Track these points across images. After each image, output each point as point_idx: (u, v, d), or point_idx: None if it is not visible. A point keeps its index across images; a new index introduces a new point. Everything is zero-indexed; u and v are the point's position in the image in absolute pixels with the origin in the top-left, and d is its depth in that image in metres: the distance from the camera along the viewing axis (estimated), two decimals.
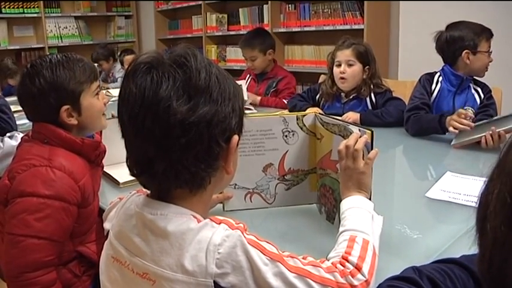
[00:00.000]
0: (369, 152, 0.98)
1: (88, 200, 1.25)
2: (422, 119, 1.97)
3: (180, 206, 0.74)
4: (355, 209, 0.91)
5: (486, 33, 1.97)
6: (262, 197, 1.27)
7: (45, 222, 1.12)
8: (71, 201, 1.17)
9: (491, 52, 1.98)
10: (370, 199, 0.98)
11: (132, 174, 0.76)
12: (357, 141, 0.98)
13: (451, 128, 1.83)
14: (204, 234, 0.70)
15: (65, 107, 1.23)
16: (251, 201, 1.27)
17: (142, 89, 0.68)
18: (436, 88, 2.09)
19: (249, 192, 1.27)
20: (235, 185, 1.25)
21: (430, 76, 2.12)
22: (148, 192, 0.78)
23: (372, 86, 2.28)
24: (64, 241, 1.21)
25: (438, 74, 2.11)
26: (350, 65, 2.24)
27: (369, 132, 0.99)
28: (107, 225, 0.96)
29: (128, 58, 4.50)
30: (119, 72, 4.65)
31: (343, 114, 2.21)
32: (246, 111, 0.79)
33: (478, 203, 0.48)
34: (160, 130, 0.67)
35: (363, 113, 2.22)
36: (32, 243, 1.11)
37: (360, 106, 2.30)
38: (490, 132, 1.66)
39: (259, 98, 2.85)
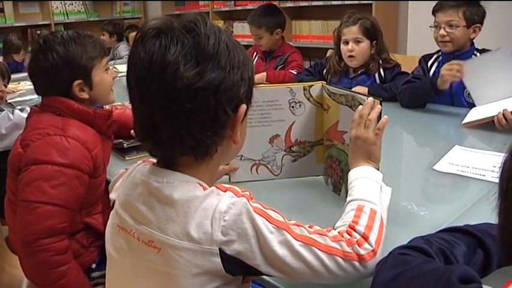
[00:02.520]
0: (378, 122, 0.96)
1: (98, 170, 1.27)
2: (413, 85, 1.98)
3: (186, 174, 0.74)
4: (363, 179, 0.90)
5: (437, 7, 1.97)
6: (268, 169, 1.27)
7: (60, 190, 1.14)
8: (84, 170, 1.20)
9: (437, 26, 1.95)
10: (378, 169, 0.95)
11: (137, 139, 0.75)
12: (370, 110, 0.96)
13: (443, 79, 1.81)
14: (210, 202, 0.70)
15: (78, 81, 1.26)
16: (257, 173, 1.27)
17: (151, 53, 0.68)
18: (432, 68, 2.07)
19: (255, 164, 1.26)
20: (242, 156, 1.25)
21: (428, 56, 2.12)
22: (155, 161, 0.78)
23: (380, 61, 2.24)
24: (76, 209, 1.22)
25: (437, 54, 2.08)
26: (358, 42, 2.20)
27: (377, 101, 0.98)
28: (112, 195, 0.94)
29: (133, 35, 4.40)
30: (124, 50, 4.58)
31: (352, 88, 2.16)
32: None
33: (501, 166, 0.48)
34: (166, 95, 0.67)
35: (371, 86, 2.19)
36: (47, 210, 1.13)
37: (368, 81, 2.27)
38: (502, 111, 1.60)
39: (264, 73, 2.78)
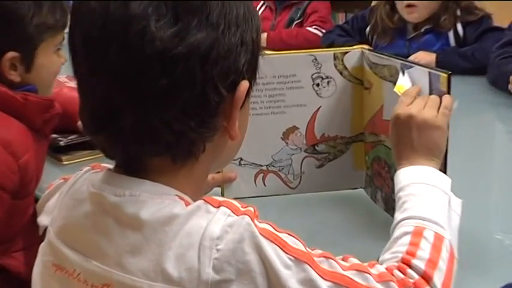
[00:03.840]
0: None
1: (28, 187, 1.27)
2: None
3: (160, 183, 0.74)
4: (421, 185, 0.90)
5: None
6: (281, 179, 1.27)
7: None
8: (4, 187, 1.19)
9: None
10: (445, 173, 0.97)
11: (86, 131, 0.76)
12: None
13: None
14: (196, 223, 0.69)
15: (12, 54, 1.25)
16: (264, 185, 1.27)
17: (106, 3, 0.68)
18: None
19: (262, 171, 1.26)
20: (241, 160, 1.24)
21: None
22: (111, 166, 0.78)
23: (458, 12, 2.24)
24: None
25: None
26: None
27: (444, 75, 0.98)
28: (43, 219, 0.94)
29: None
30: None
31: (410, 56, 2.16)
32: None
33: None
34: (130, 65, 0.68)
35: (442, 52, 2.19)
36: None
37: (437, 43, 2.27)
38: None
39: (264, 34, 2.76)
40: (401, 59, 1.10)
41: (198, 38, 0.68)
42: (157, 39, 0.66)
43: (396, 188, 0.94)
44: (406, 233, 0.84)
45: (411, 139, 0.97)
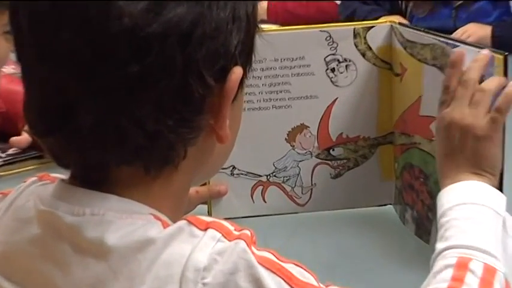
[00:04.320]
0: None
1: None
2: None
3: (129, 198, 0.73)
4: (467, 206, 0.92)
5: None
6: (286, 193, 1.27)
7: None
8: None
9: None
10: (501, 191, 0.97)
11: (34, 132, 0.74)
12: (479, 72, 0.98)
13: None
14: (177, 250, 0.69)
15: None
16: (264, 201, 1.27)
17: None
18: None
19: (261, 183, 1.26)
20: (233, 168, 1.25)
21: None
22: (64, 177, 0.77)
23: None
24: None
25: None
26: None
27: (499, 56, 0.98)
28: None
29: None
30: None
31: (456, 29, 2.23)
32: None
33: None
34: (90, 48, 0.66)
35: (500, 24, 2.25)
36: None
37: (493, 12, 2.34)
38: None
39: (264, 3, 2.80)
40: (444, 36, 1.11)
41: (178, 13, 0.67)
42: (125, 15, 0.66)
43: (438, 214, 0.96)
44: (447, 266, 0.86)
45: (456, 151, 1.00)
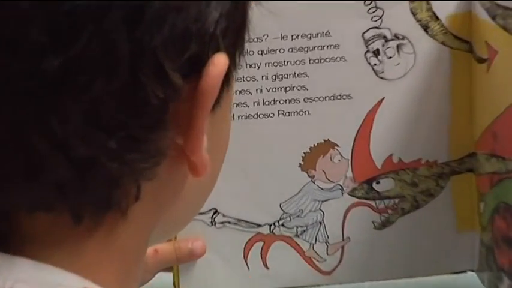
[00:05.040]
0: None
1: None
2: None
3: (49, 264, 0.58)
4: None
5: None
6: (300, 253, 1.04)
7: None
8: None
9: None
10: None
11: None
12: None
13: None
14: None
15: None
16: (266, 266, 1.03)
17: None
18: None
19: (260, 238, 1.04)
20: (215, 213, 1.01)
21: None
22: None
23: None
24: None
25: None
26: None
27: None
28: None
29: None
30: None
31: None
32: None
33: None
34: None
35: None
36: None
37: None
38: None
39: None
40: None
41: None
42: None
43: None
44: None
45: None
